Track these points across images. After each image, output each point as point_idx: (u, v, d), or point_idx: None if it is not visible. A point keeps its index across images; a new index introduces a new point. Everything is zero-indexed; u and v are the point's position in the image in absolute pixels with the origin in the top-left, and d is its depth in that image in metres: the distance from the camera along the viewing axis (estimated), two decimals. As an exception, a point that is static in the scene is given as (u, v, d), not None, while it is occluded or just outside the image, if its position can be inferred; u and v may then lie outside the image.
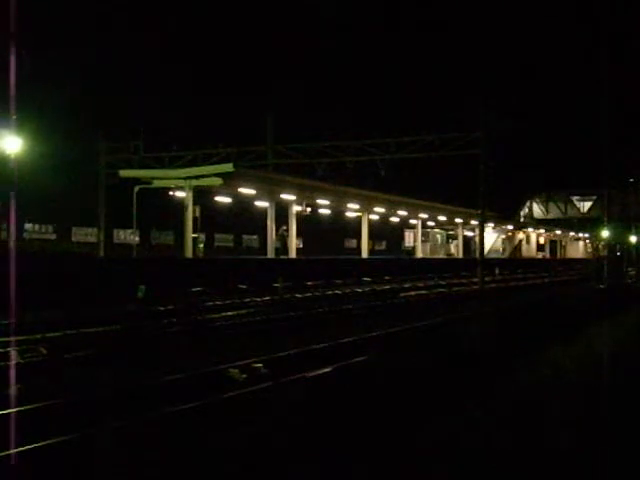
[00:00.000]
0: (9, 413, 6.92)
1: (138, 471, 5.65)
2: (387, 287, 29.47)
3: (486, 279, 32.19)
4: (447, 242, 65.65)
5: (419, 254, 52.86)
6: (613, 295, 25.06)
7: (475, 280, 32.04)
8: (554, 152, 77.67)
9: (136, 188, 32.87)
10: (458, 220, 56.40)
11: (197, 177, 31.23)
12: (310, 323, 16.28)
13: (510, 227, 69.51)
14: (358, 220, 46.32)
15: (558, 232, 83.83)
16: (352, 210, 44.44)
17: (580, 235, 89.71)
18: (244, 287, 25.27)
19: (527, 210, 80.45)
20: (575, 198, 78.23)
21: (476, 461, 6.00)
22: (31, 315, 14.96)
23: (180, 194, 32.26)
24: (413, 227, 55.35)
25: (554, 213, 79.33)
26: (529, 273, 49.58)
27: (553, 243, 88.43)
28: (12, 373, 8.88)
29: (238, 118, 49.77)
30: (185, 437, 6.52)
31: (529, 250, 76.25)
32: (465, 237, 63.97)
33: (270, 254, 36.94)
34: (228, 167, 30.85)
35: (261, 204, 38.07)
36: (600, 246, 61.29)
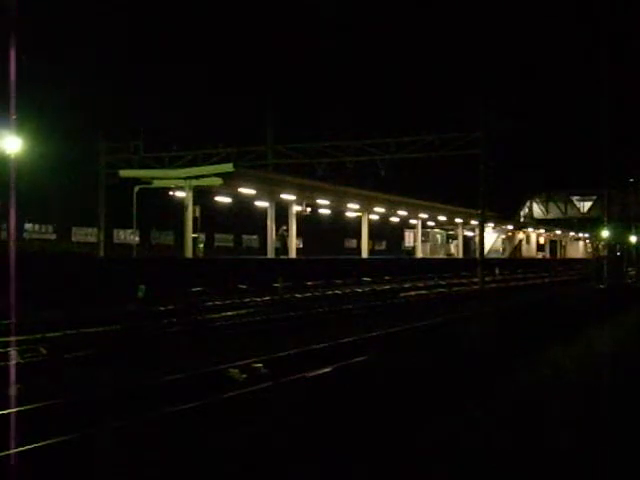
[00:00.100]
0: (9, 413, 6.92)
1: (138, 471, 5.65)
2: (387, 287, 29.46)
3: (486, 279, 32.19)
4: (447, 242, 65.64)
5: (419, 254, 52.86)
6: (613, 295, 25.07)
7: (475, 280, 32.05)
8: (554, 152, 77.67)
9: (136, 188, 32.87)
10: (458, 220, 56.41)
11: (197, 177, 31.23)
12: (310, 323, 16.28)
13: (510, 227, 69.52)
14: (358, 220, 46.32)
15: (558, 232, 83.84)
16: (352, 210, 44.44)
17: (580, 235, 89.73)
18: (244, 287, 25.27)
19: (527, 210, 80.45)
20: (575, 198, 78.22)
21: (476, 461, 6.00)
22: (31, 315, 14.95)
23: (180, 194, 32.26)
24: (413, 227, 55.35)
25: (554, 213, 79.32)
26: (529, 273, 49.59)
27: (553, 243, 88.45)
28: (12, 373, 8.88)
29: (238, 118, 49.77)
30: (185, 437, 6.52)
31: (529, 250, 76.26)
32: (465, 237, 63.98)
33: (270, 254, 36.94)
34: (228, 167, 30.85)
35: (261, 204, 38.07)
36: (600, 246, 61.28)
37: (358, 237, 48.77)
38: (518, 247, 73.43)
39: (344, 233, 59.21)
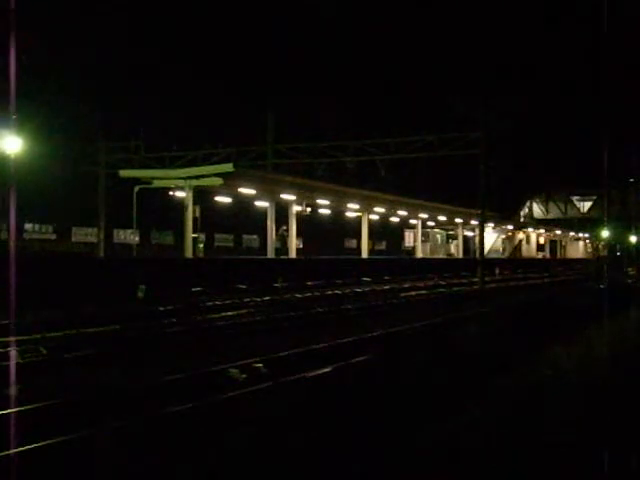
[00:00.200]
0: (9, 413, 6.92)
1: (138, 471, 5.65)
2: (387, 287, 29.46)
3: (486, 279, 32.18)
4: (447, 242, 65.63)
5: (419, 254, 52.87)
6: (613, 295, 25.04)
7: (475, 280, 32.04)
8: (554, 152, 77.56)
9: (136, 188, 32.89)
10: (458, 220, 56.41)
11: (197, 177, 31.23)
12: (310, 323, 16.28)
13: (510, 227, 69.53)
14: (358, 220, 46.32)
15: (558, 232, 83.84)
16: (352, 210, 44.44)
17: (580, 235, 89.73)
18: (244, 287, 25.27)
19: (527, 210, 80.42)
20: (575, 198, 78.19)
21: (476, 461, 6.00)
22: (31, 315, 14.95)
23: (180, 194, 32.26)
24: (413, 227, 55.36)
25: (554, 213, 79.30)
26: (529, 273, 49.59)
27: (553, 243, 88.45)
28: (12, 373, 8.89)
29: (238, 118, 49.74)
30: (185, 437, 6.52)
31: (529, 250, 76.26)
32: (465, 237, 63.99)
33: (270, 254, 36.93)
34: (228, 167, 30.85)
35: (261, 204, 38.06)
36: (600, 246, 61.34)
37: (358, 237, 48.78)
38: (518, 247, 73.43)
39: (344, 233, 59.21)
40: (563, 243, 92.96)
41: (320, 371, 9.39)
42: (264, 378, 9.16)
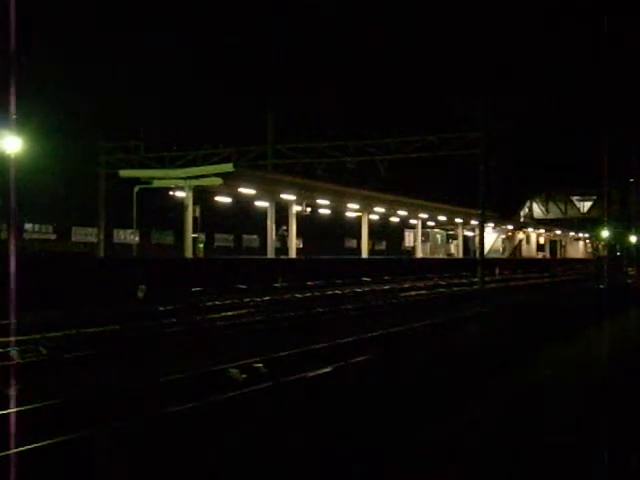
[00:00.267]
0: (9, 413, 6.92)
1: (138, 471, 5.65)
2: (387, 287, 29.46)
3: (486, 279, 32.19)
4: (447, 242, 65.63)
5: (419, 254, 52.86)
6: (613, 295, 25.05)
7: (475, 280, 32.05)
8: (554, 152, 77.57)
9: (136, 188, 32.89)
10: (458, 220, 56.41)
11: (197, 177, 31.24)
12: (310, 323, 16.28)
13: (510, 227, 69.52)
14: (358, 220, 46.32)
15: (558, 232, 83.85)
16: (352, 210, 44.44)
17: (580, 235, 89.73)
18: (244, 287, 25.28)
19: (527, 210, 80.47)
20: (575, 198, 78.24)
21: (476, 461, 6.00)
22: (31, 315, 14.95)
23: (180, 194, 32.26)
24: (413, 227, 55.36)
25: (554, 213, 79.35)
26: (529, 273, 49.59)
27: (553, 243, 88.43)
28: (12, 373, 8.88)
29: (238, 118, 49.75)
30: (185, 437, 6.51)
31: (529, 250, 76.26)
32: (465, 237, 63.97)
33: (270, 254, 36.93)
34: (228, 167, 30.86)
35: (261, 204, 38.06)
36: (600, 246, 61.35)
37: (358, 237, 48.78)
38: (518, 247, 73.42)
39: (344, 233, 59.21)
40: (563, 243, 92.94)
41: (320, 371, 9.38)
42: (264, 378, 9.16)
